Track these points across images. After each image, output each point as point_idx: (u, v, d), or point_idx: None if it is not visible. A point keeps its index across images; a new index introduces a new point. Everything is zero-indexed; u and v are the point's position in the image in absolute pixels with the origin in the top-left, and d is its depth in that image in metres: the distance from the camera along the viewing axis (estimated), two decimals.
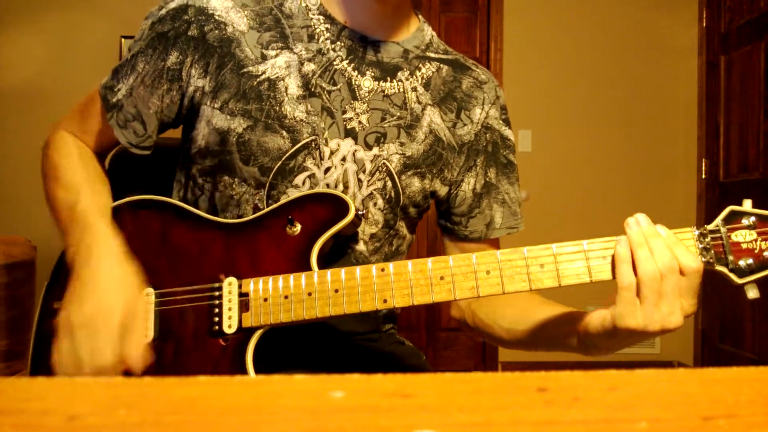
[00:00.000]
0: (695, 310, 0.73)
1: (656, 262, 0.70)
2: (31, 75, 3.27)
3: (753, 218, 0.73)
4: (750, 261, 0.71)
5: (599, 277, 0.74)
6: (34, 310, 0.90)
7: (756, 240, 0.72)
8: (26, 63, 3.27)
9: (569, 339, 0.82)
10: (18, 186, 3.20)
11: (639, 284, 0.70)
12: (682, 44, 3.53)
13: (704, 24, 3.45)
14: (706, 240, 0.73)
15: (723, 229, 0.73)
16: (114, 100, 0.90)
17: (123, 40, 3.32)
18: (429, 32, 0.99)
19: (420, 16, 0.99)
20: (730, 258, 0.72)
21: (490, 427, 0.29)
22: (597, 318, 0.76)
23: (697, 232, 0.73)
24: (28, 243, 1.60)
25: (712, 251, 0.72)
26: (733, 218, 0.73)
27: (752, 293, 0.72)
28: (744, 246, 0.72)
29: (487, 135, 0.99)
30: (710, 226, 0.73)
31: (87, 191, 0.86)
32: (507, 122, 1.02)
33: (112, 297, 0.76)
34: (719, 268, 0.72)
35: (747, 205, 0.74)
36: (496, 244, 1.03)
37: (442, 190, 0.97)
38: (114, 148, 0.99)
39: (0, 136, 3.32)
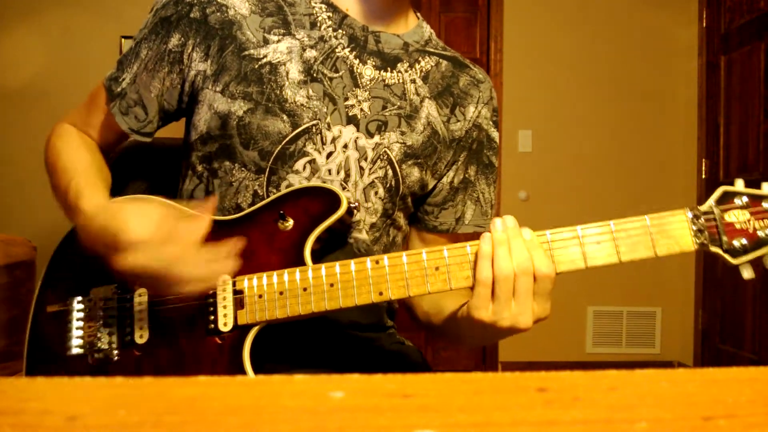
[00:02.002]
0: (547, 315, 0.74)
1: (513, 261, 0.72)
2: (31, 75, 3.27)
3: (746, 198, 0.72)
4: (744, 241, 0.71)
5: (593, 263, 0.74)
6: (29, 316, 0.90)
7: (749, 220, 0.72)
8: (26, 63, 3.27)
9: (455, 326, 0.85)
10: (18, 186, 3.20)
11: (494, 281, 0.72)
12: (682, 44, 3.53)
13: (704, 24, 3.45)
14: (700, 221, 0.72)
15: (716, 210, 0.72)
16: (118, 89, 0.91)
17: (123, 40, 3.32)
18: (428, 30, 1.00)
19: (419, 15, 1.01)
20: (724, 239, 0.72)
21: (490, 427, 0.29)
22: (464, 307, 0.79)
23: (690, 214, 0.72)
24: (28, 243, 1.60)
25: (706, 232, 0.72)
26: (726, 198, 0.73)
27: (747, 273, 0.72)
28: (738, 226, 0.72)
29: (475, 133, 1.00)
30: (703, 207, 0.73)
31: (80, 172, 0.85)
32: (496, 124, 1.03)
33: (121, 218, 0.73)
34: (714, 249, 0.72)
35: (739, 184, 0.73)
36: (458, 240, 1.05)
37: (431, 183, 0.98)
38: (118, 144, 0.99)
39: (0, 136, 3.32)
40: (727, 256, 0.72)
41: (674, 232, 0.72)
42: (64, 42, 3.32)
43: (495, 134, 1.03)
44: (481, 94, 1.01)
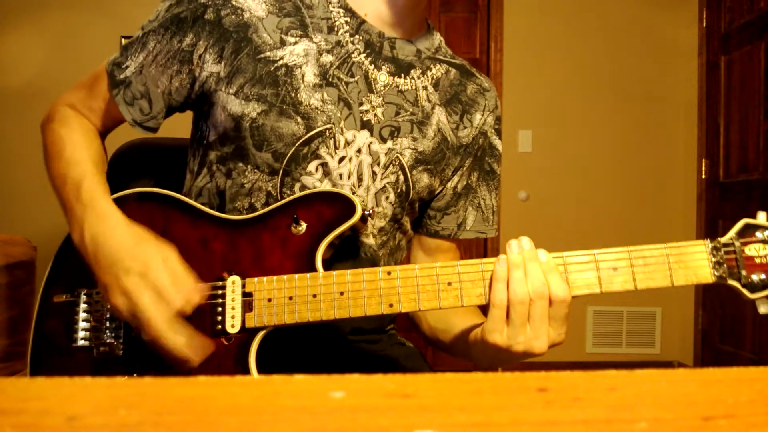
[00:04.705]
0: (563, 340, 0.73)
1: (528, 285, 0.71)
2: (31, 75, 3.27)
3: (767, 232, 0.71)
4: (763, 276, 0.70)
5: (609, 288, 0.73)
6: (34, 309, 0.90)
7: None
8: (26, 63, 3.27)
9: (465, 347, 0.85)
10: (18, 186, 3.20)
11: (509, 304, 0.71)
12: (682, 44, 3.53)
13: (704, 24, 3.45)
14: (720, 254, 0.71)
15: (737, 243, 0.71)
16: (121, 76, 0.90)
17: (123, 40, 3.32)
18: (438, 37, 1.01)
19: (429, 22, 1.02)
20: (743, 273, 0.71)
21: (490, 427, 0.29)
22: (477, 329, 0.78)
23: (710, 246, 0.71)
24: (28, 243, 1.60)
25: (725, 265, 0.71)
26: (747, 231, 0.72)
27: (764, 308, 0.71)
28: (757, 260, 0.71)
29: (480, 140, 1.01)
30: (724, 239, 0.72)
31: (92, 170, 0.86)
32: (499, 133, 1.04)
33: (144, 252, 0.77)
34: (732, 282, 0.71)
35: (761, 217, 0.72)
36: (459, 246, 1.06)
37: (438, 189, 0.99)
38: (115, 127, 0.98)
39: (0, 136, 3.32)
40: (744, 291, 0.71)
41: (693, 263, 0.72)
42: (64, 42, 3.32)
43: (497, 142, 1.04)
44: (487, 102, 1.02)
